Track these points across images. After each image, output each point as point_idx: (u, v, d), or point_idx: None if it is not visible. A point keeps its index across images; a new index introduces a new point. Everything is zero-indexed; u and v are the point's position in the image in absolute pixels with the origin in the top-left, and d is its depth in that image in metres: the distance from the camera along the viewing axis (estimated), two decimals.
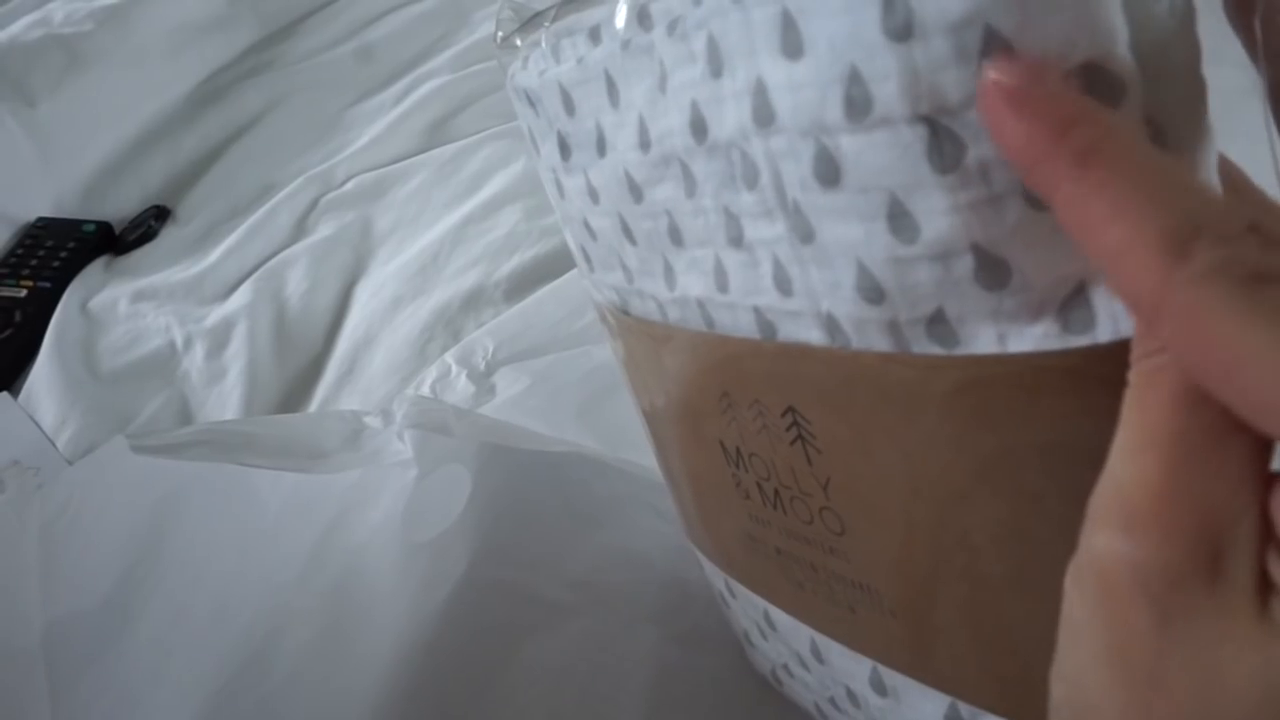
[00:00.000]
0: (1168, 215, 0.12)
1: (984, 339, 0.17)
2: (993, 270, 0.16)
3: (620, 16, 0.20)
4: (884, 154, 0.16)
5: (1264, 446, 0.13)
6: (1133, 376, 0.14)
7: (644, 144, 0.21)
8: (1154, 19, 0.14)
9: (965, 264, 0.16)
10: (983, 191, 0.15)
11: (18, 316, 0.66)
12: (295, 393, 0.58)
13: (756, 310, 0.21)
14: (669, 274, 0.23)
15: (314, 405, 0.57)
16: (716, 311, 0.22)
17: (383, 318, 0.60)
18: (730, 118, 0.18)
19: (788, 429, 0.21)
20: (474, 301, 0.59)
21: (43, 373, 0.60)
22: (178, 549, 0.41)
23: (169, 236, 0.71)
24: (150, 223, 0.72)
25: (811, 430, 0.20)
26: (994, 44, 0.14)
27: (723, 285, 0.21)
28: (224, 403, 0.57)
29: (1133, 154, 0.13)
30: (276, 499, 0.43)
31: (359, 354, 0.58)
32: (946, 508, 0.19)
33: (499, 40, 0.27)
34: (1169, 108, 0.14)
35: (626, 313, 0.26)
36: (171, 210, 0.73)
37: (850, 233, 0.17)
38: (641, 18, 0.19)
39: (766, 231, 0.19)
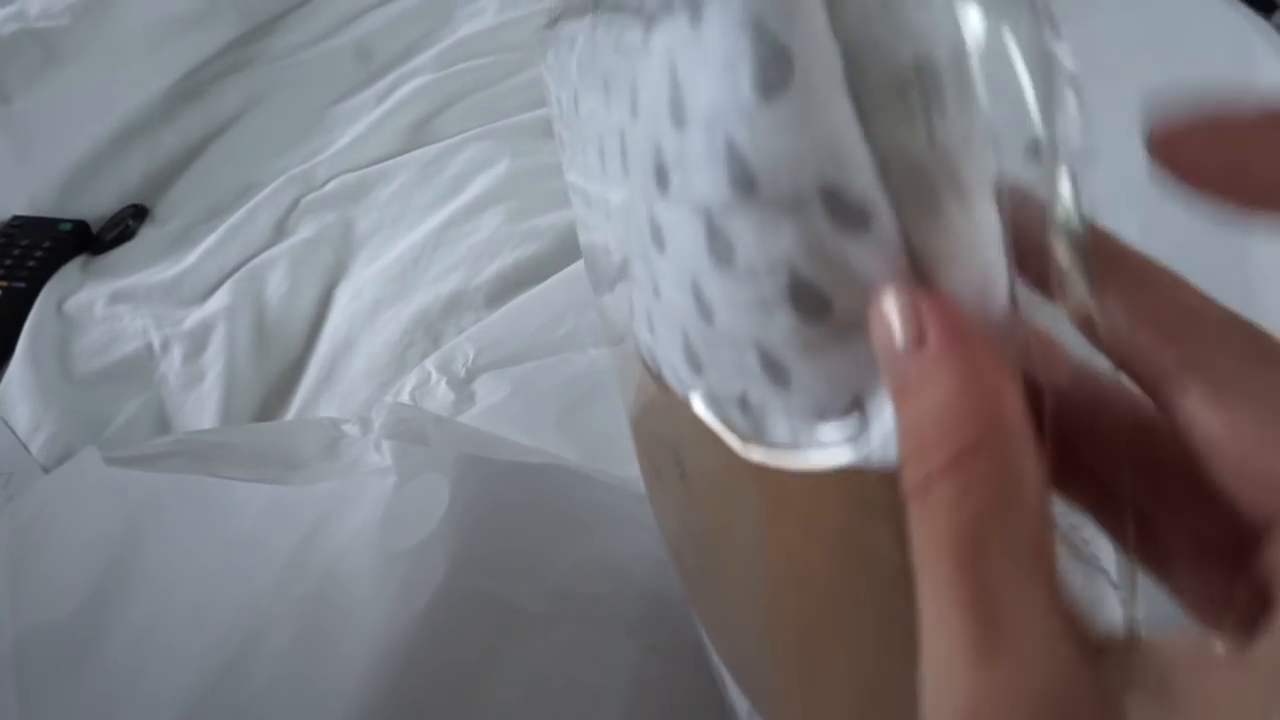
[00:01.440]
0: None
1: (780, 431, 0.17)
2: (775, 369, 0.16)
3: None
4: (681, 234, 0.16)
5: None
6: (917, 508, 0.14)
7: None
8: (908, 148, 0.14)
9: (751, 357, 0.16)
10: (754, 293, 0.15)
11: None
12: (274, 397, 0.58)
13: (647, 346, 0.21)
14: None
15: (292, 410, 0.56)
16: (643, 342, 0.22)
17: (363, 321, 0.60)
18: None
19: (675, 464, 0.21)
20: (455, 306, 0.59)
21: (16, 375, 0.60)
22: (153, 557, 0.40)
23: (147, 236, 0.70)
24: (128, 222, 0.71)
25: (684, 468, 0.21)
26: (732, 154, 0.14)
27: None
28: (201, 407, 0.56)
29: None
30: (254, 505, 0.42)
31: (338, 358, 0.58)
32: (766, 571, 0.20)
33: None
34: (931, 239, 0.14)
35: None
36: (150, 209, 0.72)
37: (675, 298, 0.17)
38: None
39: (639, 272, 0.19)
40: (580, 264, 0.36)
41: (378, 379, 0.56)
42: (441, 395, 0.51)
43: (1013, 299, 0.15)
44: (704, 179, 0.15)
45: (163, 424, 0.57)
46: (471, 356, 0.53)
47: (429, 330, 0.58)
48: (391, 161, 0.72)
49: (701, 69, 0.14)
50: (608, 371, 0.30)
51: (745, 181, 0.14)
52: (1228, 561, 0.14)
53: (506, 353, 0.53)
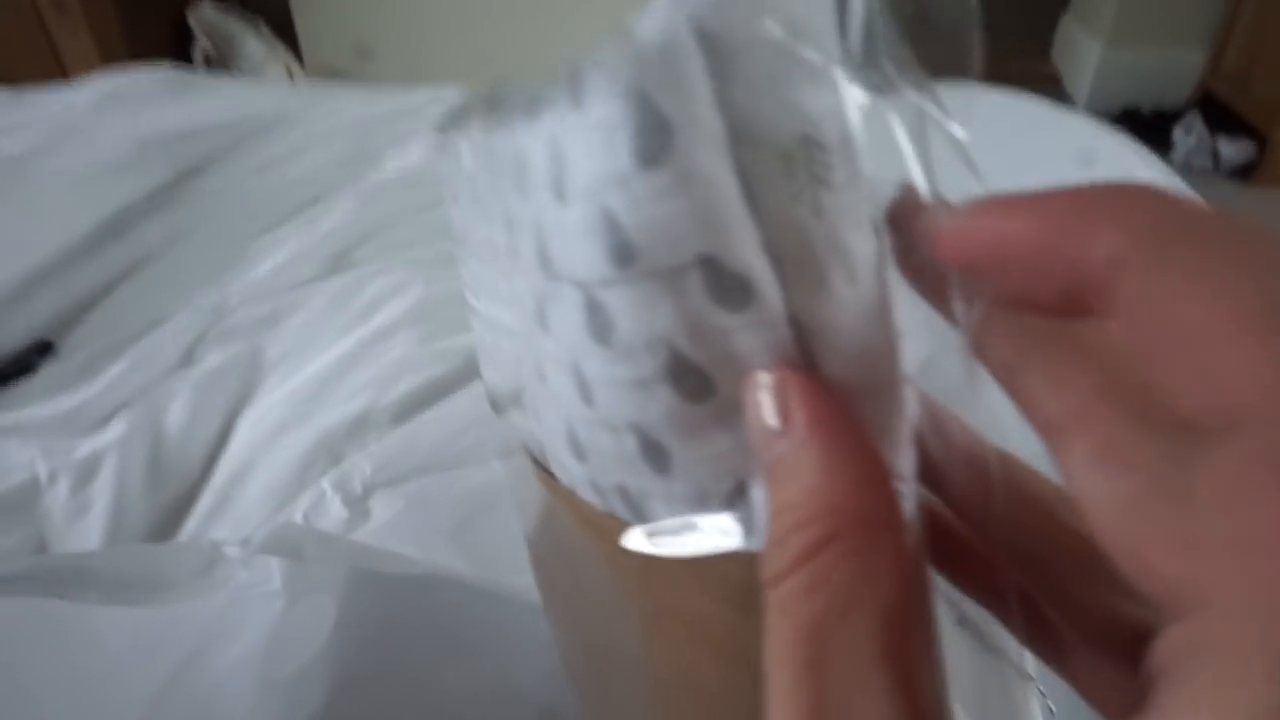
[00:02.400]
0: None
1: (662, 521, 0.17)
2: (655, 453, 0.16)
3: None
4: (563, 312, 0.16)
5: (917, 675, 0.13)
6: (772, 599, 0.14)
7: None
8: (794, 220, 0.14)
9: (631, 443, 0.16)
10: (632, 372, 0.15)
11: None
12: (164, 525, 0.55)
13: (534, 435, 0.20)
14: None
15: (182, 538, 0.54)
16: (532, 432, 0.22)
17: (264, 445, 0.58)
18: None
19: (569, 572, 0.20)
20: (360, 426, 0.58)
21: None
22: None
23: (48, 371, 0.68)
24: (30, 357, 0.69)
25: (574, 561, 0.20)
26: (610, 224, 0.14)
27: None
28: (85, 539, 0.53)
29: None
30: (118, 637, 0.40)
31: (235, 483, 0.56)
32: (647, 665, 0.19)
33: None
34: (818, 313, 0.14)
35: None
36: (55, 344, 0.71)
37: (557, 381, 0.17)
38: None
39: (527, 358, 0.19)
40: None
41: (275, 502, 0.54)
42: (335, 513, 0.49)
43: (901, 371, 0.15)
44: (583, 252, 0.15)
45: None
46: (369, 473, 0.52)
47: (331, 451, 0.56)
48: (305, 289, 0.72)
49: (582, 141, 0.14)
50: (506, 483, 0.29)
51: (623, 253, 0.14)
52: (1130, 651, 0.13)
53: (405, 468, 0.52)
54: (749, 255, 0.14)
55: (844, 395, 0.15)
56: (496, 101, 0.18)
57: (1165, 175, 0.87)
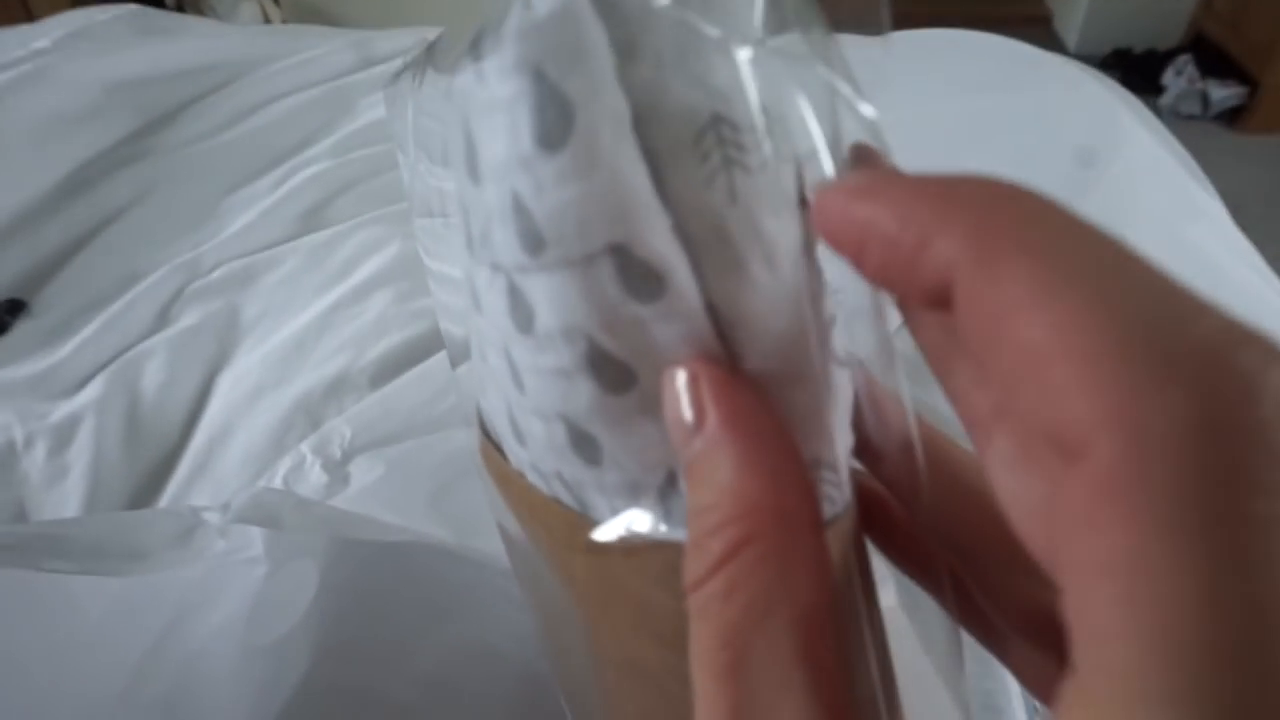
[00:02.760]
0: (1130, 313, 0.10)
1: (601, 509, 0.16)
2: (584, 444, 0.15)
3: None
4: (490, 296, 0.15)
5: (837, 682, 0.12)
6: (692, 603, 0.13)
7: None
8: (707, 205, 0.13)
9: (560, 431, 0.16)
10: (554, 361, 0.15)
11: None
12: (144, 491, 0.55)
13: (485, 414, 0.20)
14: None
15: (163, 503, 0.54)
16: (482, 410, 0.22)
17: (243, 408, 0.58)
18: None
19: (520, 535, 0.20)
20: (338, 388, 0.57)
21: None
22: None
23: (21, 330, 0.67)
24: (2, 316, 0.68)
25: (529, 540, 0.20)
26: (519, 209, 0.13)
27: None
28: (64, 503, 0.53)
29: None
30: (98, 605, 0.40)
31: (215, 447, 0.56)
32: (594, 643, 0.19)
33: None
34: (736, 301, 0.14)
35: None
36: (27, 303, 0.70)
37: (495, 363, 0.17)
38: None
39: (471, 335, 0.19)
40: None
41: (255, 466, 0.54)
42: (315, 478, 0.49)
43: (828, 360, 0.15)
44: (498, 236, 0.14)
45: (20, 523, 0.53)
46: (349, 437, 0.52)
47: (310, 414, 0.56)
48: (281, 247, 0.71)
49: (485, 119, 0.14)
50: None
51: (533, 239, 0.14)
52: (1054, 639, 0.13)
53: (385, 432, 0.52)
54: (659, 243, 0.13)
55: (767, 385, 0.14)
56: (436, 53, 0.17)
57: (1147, 121, 0.86)
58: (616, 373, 0.14)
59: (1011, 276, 0.11)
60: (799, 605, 0.12)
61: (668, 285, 0.13)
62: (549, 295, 0.14)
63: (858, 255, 0.13)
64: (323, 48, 0.95)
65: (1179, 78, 2.06)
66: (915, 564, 0.18)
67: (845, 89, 0.14)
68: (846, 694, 0.12)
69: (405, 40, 0.98)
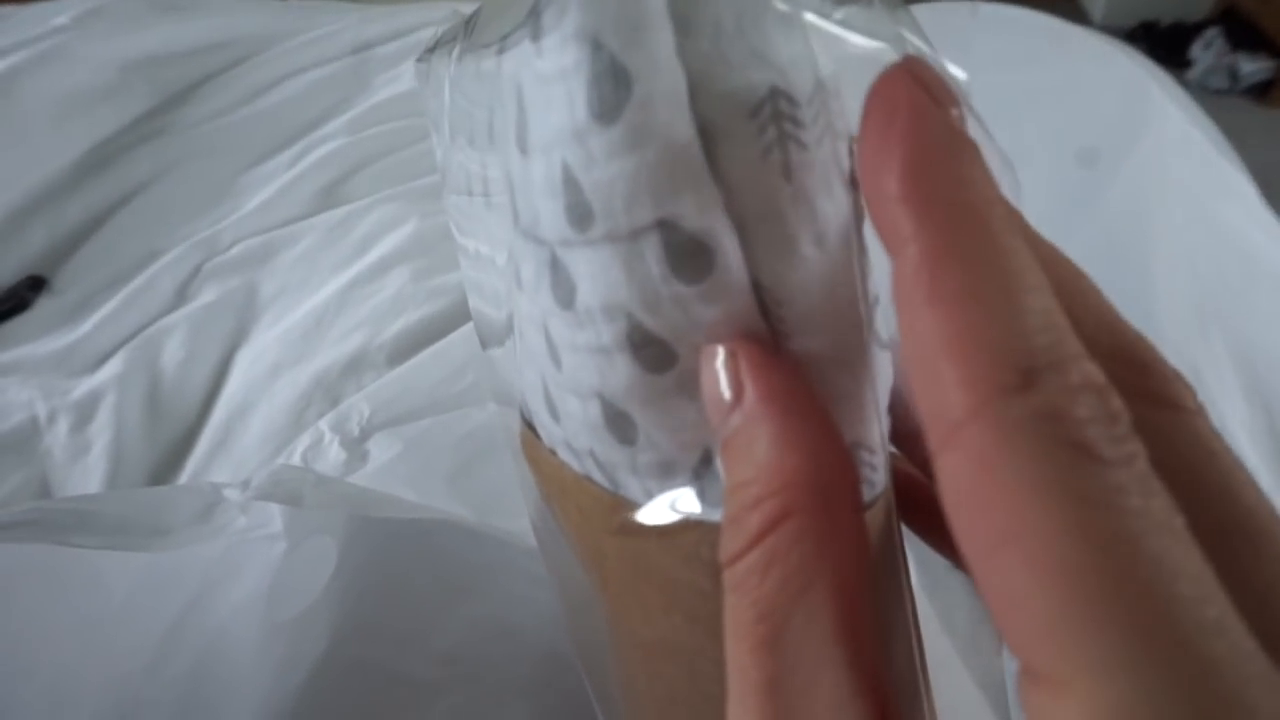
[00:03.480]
0: (1002, 325, 0.11)
1: (633, 489, 0.16)
2: (619, 423, 0.15)
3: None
4: (531, 270, 0.15)
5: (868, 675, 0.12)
6: (728, 577, 0.13)
7: None
8: (760, 182, 0.13)
9: (595, 410, 0.15)
10: (593, 339, 0.14)
11: None
12: (165, 466, 0.55)
13: (519, 391, 0.20)
14: None
15: (183, 479, 0.54)
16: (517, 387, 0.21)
17: (261, 385, 0.58)
18: None
19: (550, 514, 0.20)
20: (356, 366, 0.57)
21: None
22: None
23: (43, 307, 0.68)
24: (24, 293, 0.69)
25: (558, 519, 0.20)
26: (568, 182, 0.13)
27: None
28: (87, 479, 0.54)
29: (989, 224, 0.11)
30: (124, 581, 0.40)
31: (234, 423, 0.56)
32: (631, 630, 0.19)
33: None
34: (783, 282, 0.13)
35: None
36: (48, 280, 0.70)
37: (532, 339, 0.16)
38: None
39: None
40: None
41: (274, 443, 0.54)
42: (334, 455, 0.49)
43: (872, 342, 0.14)
44: (543, 209, 0.14)
45: (44, 498, 0.54)
46: (367, 415, 0.52)
47: (328, 391, 0.56)
48: (298, 224, 0.71)
49: (540, 90, 0.13)
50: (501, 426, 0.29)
51: (581, 212, 0.13)
52: None
53: (403, 410, 0.52)
54: (709, 220, 0.13)
55: (810, 365, 0.14)
56: (473, 30, 0.17)
57: (1178, 98, 0.85)
58: (656, 351, 0.14)
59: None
60: (837, 581, 0.12)
61: (715, 262, 0.13)
62: (592, 271, 0.14)
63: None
64: (337, 23, 0.95)
65: (1207, 51, 2.01)
66: (939, 535, 0.18)
67: (928, 52, 0.13)
68: (884, 670, 0.12)
69: (419, 17, 0.97)
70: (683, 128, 0.12)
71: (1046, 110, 0.84)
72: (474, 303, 0.21)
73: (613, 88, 0.12)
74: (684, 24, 0.12)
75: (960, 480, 0.10)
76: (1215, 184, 0.73)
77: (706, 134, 0.13)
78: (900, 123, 0.11)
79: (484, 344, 0.22)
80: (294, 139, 0.82)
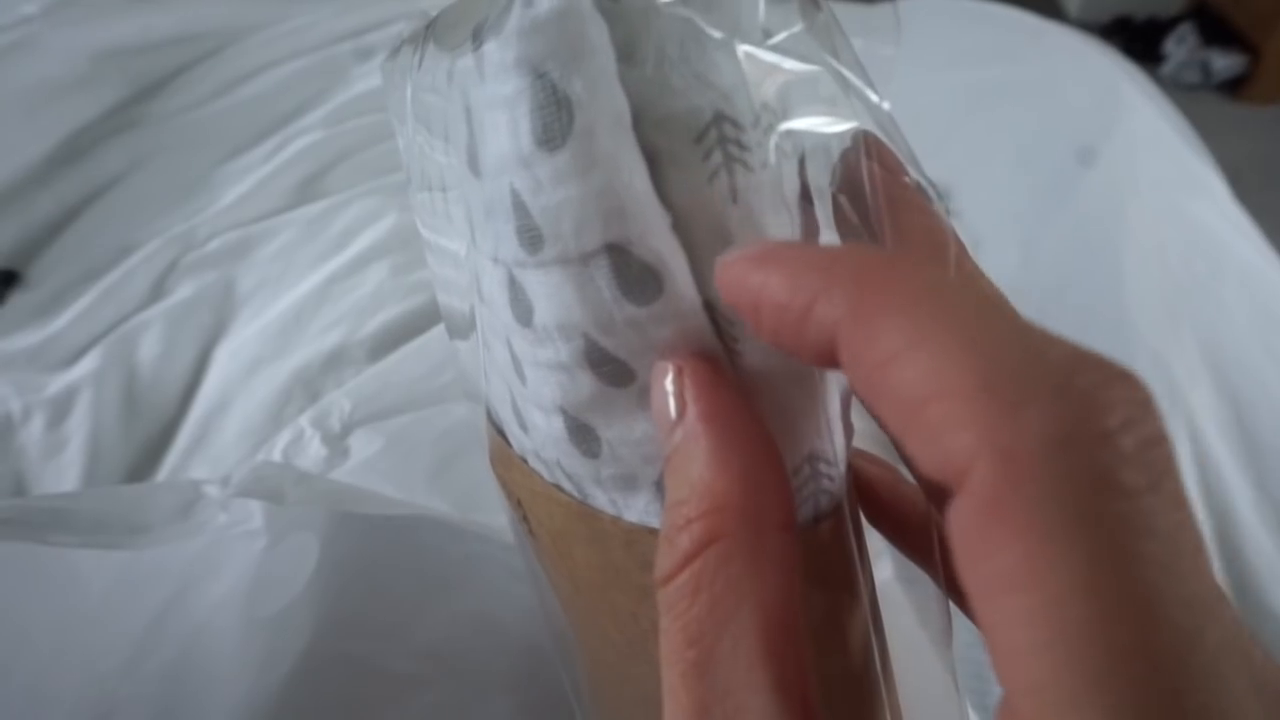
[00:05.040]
0: (989, 352, 0.11)
1: (600, 500, 0.16)
2: (582, 436, 0.15)
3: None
4: (492, 286, 0.15)
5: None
6: (661, 598, 0.13)
7: None
8: (708, 203, 0.13)
9: (559, 424, 0.16)
10: (553, 356, 0.15)
11: None
12: (142, 463, 0.55)
13: (487, 398, 0.20)
14: None
15: (161, 476, 0.54)
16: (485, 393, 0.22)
17: (240, 381, 0.57)
18: None
19: (523, 519, 0.20)
20: (335, 361, 0.57)
21: None
22: None
23: (16, 302, 0.67)
24: None
25: (530, 524, 0.20)
26: (517, 206, 0.13)
27: None
28: (62, 477, 0.53)
29: (924, 278, 0.12)
30: (102, 578, 0.40)
31: (212, 420, 0.56)
32: (595, 618, 0.19)
33: None
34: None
35: None
36: (20, 274, 0.69)
37: (498, 352, 0.16)
38: None
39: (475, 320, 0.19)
40: None
41: (253, 439, 0.54)
42: (314, 451, 0.49)
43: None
44: (497, 230, 0.14)
45: (19, 496, 0.54)
46: (348, 410, 0.51)
47: (308, 387, 0.56)
48: (276, 218, 0.70)
49: (486, 115, 0.13)
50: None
51: (532, 236, 0.13)
52: None
53: (384, 405, 0.52)
54: (658, 243, 0.13)
55: (763, 380, 0.14)
56: (434, 34, 0.17)
57: (1149, 94, 0.86)
58: (615, 368, 0.14)
59: (885, 331, 0.11)
60: (765, 605, 0.13)
61: (665, 284, 0.13)
62: (546, 292, 0.14)
63: (754, 318, 0.13)
64: (313, 15, 0.94)
65: (1180, 46, 2.04)
66: (907, 538, 0.19)
67: (856, 81, 0.13)
68: (814, 694, 0.13)
69: (395, 7, 0.96)
70: (628, 154, 0.13)
71: (1022, 106, 0.85)
72: (441, 298, 0.22)
73: (556, 115, 0.13)
74: (626, 51, 0.13)
75: (963, 520, 0.10)
76: (1186, 180, 0.74)
77: (652, 159, 0.13)
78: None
79: (451, 336, 0.22)
80: (271, 131, 0.81)
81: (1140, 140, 0.77)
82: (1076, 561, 0.09)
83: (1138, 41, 2.05)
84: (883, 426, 0.12)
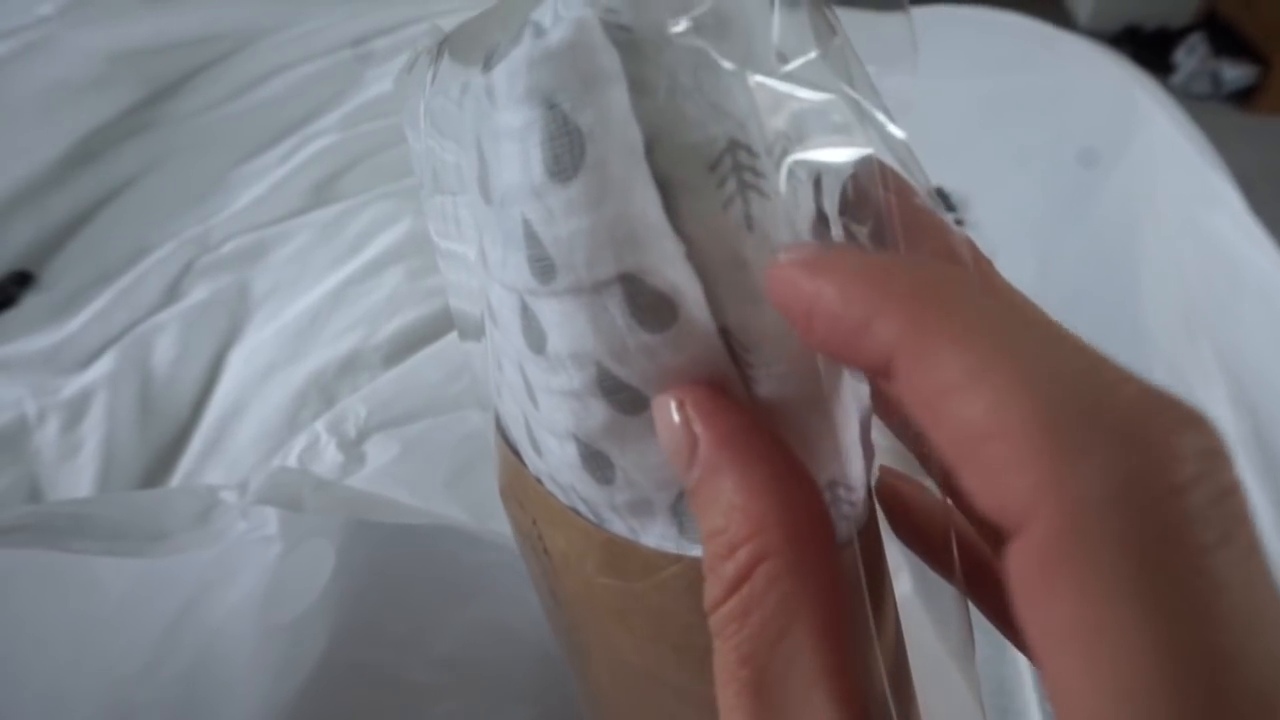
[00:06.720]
0: (1053, 391, 0.10)
1: (617, 525, 0.16)
2: (596, 462, 0.15)
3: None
4: (505, 313, 0.15)
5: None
6: (712, 624, 0.13)
7: None
8: (722, 232, 0.13)
9: (572, 450, 0.15)
10: (565, 383, 0.15)
11: None
12: (157, 467, 0.55)
13: (499, 416, 0.20)
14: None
15: (175, 480, 0.54)
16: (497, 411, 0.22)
17: (255, 385, 0.57)
18: None
19: (537, 538, 0.20)
20: (351, 366, 0.57)
21: None
22: None
23: (30, 303, 0.67)
24: (10, 289, 0.68)
25: (545, 544, 0.20)
26: (529, 236, 0.13)
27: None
28: (77, 480, 0.53)
29: (979, 300, 0.12)
30: (119, 584, 0.40)
31: (227, 424, 0.56)
32: (606, 641, 0.19)
33: None
34: (754, 325, 0.14)
35: None
36: (35, 275, 0.70)
37: (511, 375, 0.16)
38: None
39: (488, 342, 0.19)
40: None
41: (268, 444, 0.54)
42: (330, 457, 0.49)
43: (844, 379, 0.15)
44: (508, 259, 0.14)
45: (35, 499, 0.54)
46: (364, 416, 0.51)
47: (323, 391, 0.56)
48: (291, 221, 0.70)
49: (497, 145, 0.13)
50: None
51: (544, 265, 0.13)
52: None
53: (400, 411, 0.51)
54: (671, 272, 0.13)
55: (782, 406, 0.14)
56: (451, 47, 0.17)
57: (1164, 104, 0.86)
58: (628, 396, 0.14)
59: (946, 360, 0.11)
60: (815, 620, 0.13)
61: (679, 313, 0.13)
62: (559, 321, 0.14)
63: (805, 326, 0.13)
64: (328, 18, 0.94)
65: (1190, 57, 2.04)
66: (933, 553, 0.19)
67: (871, 108, 0.13)
68: (865, 704, 0.13)
69: (411, 11, 0.96)
70: (640, 185, 0.13)
71: (1037, 115, 0.85)
72: (453, 302, 0.22)
73: (567, 147, 0.13)
74: (639, 80, 0.13)
75: (1024, 565, 0.10)
76: (1202, 192, 0.74)
77: (666, 188, 0.13)
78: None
79: (462, 338, 0.22)
80: (286, 134, 0.81)
81: (1156, 151, 0.76)
82: (1140, 618, 0.09)
83: (1147, 51, 2.05)
84: (935, 452, 0.12)
